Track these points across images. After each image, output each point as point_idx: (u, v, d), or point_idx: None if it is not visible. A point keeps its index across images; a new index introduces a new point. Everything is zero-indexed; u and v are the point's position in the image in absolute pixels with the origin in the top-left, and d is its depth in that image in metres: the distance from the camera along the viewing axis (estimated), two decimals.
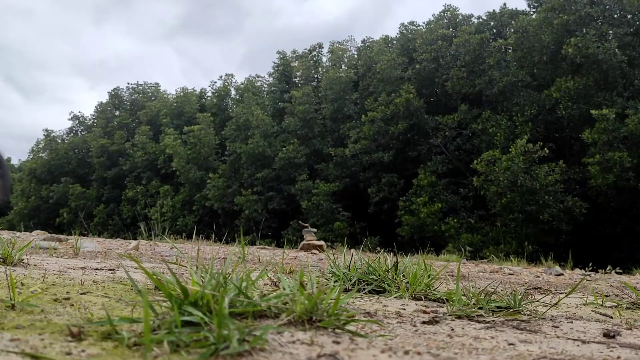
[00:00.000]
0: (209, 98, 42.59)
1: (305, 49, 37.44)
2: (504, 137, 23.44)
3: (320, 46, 37.17)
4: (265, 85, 39.00)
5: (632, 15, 24.09)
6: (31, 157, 48.51)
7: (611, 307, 1.98)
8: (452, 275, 2.87)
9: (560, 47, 23.34)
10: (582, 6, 23.64)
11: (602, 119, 20.26)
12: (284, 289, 1.31)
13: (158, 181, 37.28)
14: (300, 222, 17.68)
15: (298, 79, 35.95)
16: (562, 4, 24.00)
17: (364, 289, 1.85)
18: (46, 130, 47.37)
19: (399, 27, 33.90)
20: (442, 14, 31.89)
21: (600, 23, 24.11)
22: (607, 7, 24.34)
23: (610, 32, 23.16)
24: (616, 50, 22.09)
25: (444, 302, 1.77)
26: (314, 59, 36.51)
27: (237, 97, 39.05)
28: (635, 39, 23.49)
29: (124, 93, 47.17)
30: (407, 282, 1.88)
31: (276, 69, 37.34)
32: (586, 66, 22.90)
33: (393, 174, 27.14)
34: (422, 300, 1.80)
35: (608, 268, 5.78)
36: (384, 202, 26.66)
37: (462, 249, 17.15)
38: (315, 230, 9.42)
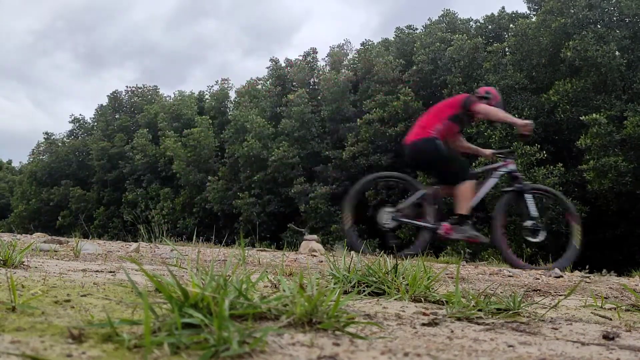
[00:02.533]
0: (207, 101, 42.68)
1: (300, 55, 37.65)
2: (499, 139, 23.45)
3: (315, 51, 37.32)
4: (264, 89, 39.17)
5: (631, 18, 24.11)
6: (31, 159, 48.55)
7: (610, 309, 1.98)
8: (452, 277, 2.87)
9: (559, 50, 23.36)
10: (580, 9, 23.66)
11: (593, 124, 20.20)
12: (284, 291, 1.31)
13: (158, 184, 37.30)
14: (296, 226, 17.62)
15: (296, 83, 36.07)
16: (559, 7, 24.03)
17: (364, 291, 1.85)
18: (46, 133, 47.49)
19: (395, 32, 34.06)
20: (440, 18, 31.99)
21: (598, 26, 24.13)
22: (606, 10, 24.37)
23: (610, 35, 23.18)
24: (616, 52, 22.09)
25: (443, 304, 1.77)
26: (310, 64, 36.63)
27: (237, 100, 39.19)
28: (633, 42, 23.51)
29: (123, 96, 47.26)
30: (407, 284, 1.88)
31: (271, 74, 37.52)
32: (585, 69, 22.92)
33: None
34: (421, 302, 1.81)
35: (603, 271, 5.81)
36: (383, 205, 26.67)
37: (462, 251, 17.16)
38: (315, 237, 9.46)
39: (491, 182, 6.12)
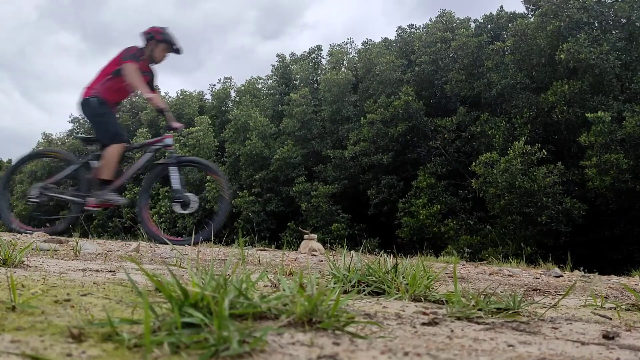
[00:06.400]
0: (208, 100, 42.69)
1: (304, 51, 37.61)
2: (503, 139, 23.48)
3: (320, 48, 37.30)
4: (265, 88, 39.17)
5: (626, 20, 24.10)
6: None
7: (610, 308, 1.98)
8: (452, 277, 2.88)
9: (555, 51, 23.39)
10: (575, 11, 23.63)
11: (597, 122, 20.27)
12: (284, 290, 1.31)
13: (158, 182, 37.27)
14: (300, 228, 17.69)
15: (298, 81, 36.07)
16: (554, 10, 24.02)
17: (364, 290, 1.85)
18: (44, 133, 47.61)
19: (397, 30, 34.04)
20: (438, 18, 31.97)
21: (593, 28, 24.12)
22: (600, 12, 24.35)
23: (604, 36, 23.17)
24: (609, 55, 22.07)
25: (443, 304, 1.77)
26: (314, 61, 36.62)
27: (237, 99, 39.20)
28: (629, 44, 23.49)
29: None
30: (407, 284, 1.88)
31: (275, 72, 37.47)
32: (580, 70, 22.92)
33: (392, 175, 27.16)
34: (421, 301, 1.81)
35: (595, 272, 5.78)
36: (384, 204, 26.67)
37: (462, 251, 17.16)
38: (315, 236, 9.45)
39: (146, 157, 5.98)
